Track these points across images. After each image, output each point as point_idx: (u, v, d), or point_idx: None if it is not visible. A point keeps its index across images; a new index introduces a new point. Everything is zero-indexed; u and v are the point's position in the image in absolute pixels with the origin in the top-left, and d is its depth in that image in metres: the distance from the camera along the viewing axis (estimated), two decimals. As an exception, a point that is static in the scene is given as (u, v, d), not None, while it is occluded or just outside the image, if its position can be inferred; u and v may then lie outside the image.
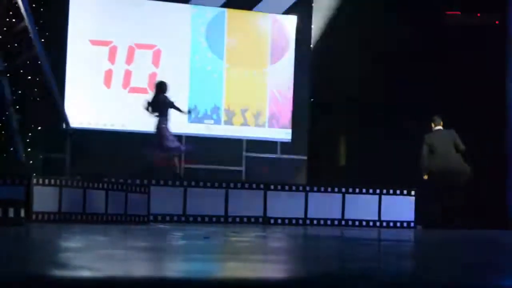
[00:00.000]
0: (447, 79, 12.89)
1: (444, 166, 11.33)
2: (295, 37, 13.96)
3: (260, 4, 13.88)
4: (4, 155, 11.25)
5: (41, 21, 11.64)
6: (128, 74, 13.26)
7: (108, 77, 13.17)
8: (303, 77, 13.83)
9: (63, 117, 10.95)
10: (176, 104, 11.86)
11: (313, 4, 13.97)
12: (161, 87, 11.94)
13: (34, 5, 11.45)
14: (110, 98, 13.12)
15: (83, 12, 13.00)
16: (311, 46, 14.05)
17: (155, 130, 11.79)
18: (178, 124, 12.89)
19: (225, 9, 13.73)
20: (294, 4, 13.97)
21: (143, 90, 13.01)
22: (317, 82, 13.76)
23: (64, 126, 11.23)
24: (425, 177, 11.46)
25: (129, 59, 13.26)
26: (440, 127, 11.67)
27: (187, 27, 13.58)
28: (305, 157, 13.81)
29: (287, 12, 13.97)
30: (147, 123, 12.49)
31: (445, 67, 12.92)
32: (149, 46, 13.38)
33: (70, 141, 11.06)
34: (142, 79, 13.23)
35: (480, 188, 12.18)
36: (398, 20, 12.89)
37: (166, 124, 11.81)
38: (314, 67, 13.92)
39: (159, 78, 12.58)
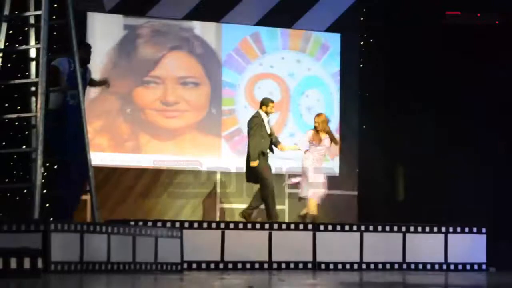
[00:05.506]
0: None
1: None
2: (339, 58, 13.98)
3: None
4: (17, 198, 11.29)
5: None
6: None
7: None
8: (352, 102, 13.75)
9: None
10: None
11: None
12: None
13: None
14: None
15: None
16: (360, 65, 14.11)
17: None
18: (210, 157, 12.96)
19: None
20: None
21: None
22: (368, 103, 13.73)
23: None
24: None
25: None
26: None
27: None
28: (355, 193, 13.82)
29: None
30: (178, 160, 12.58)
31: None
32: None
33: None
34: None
35: None
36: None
37: None
38: (364, 89, 13.95)
39: None
